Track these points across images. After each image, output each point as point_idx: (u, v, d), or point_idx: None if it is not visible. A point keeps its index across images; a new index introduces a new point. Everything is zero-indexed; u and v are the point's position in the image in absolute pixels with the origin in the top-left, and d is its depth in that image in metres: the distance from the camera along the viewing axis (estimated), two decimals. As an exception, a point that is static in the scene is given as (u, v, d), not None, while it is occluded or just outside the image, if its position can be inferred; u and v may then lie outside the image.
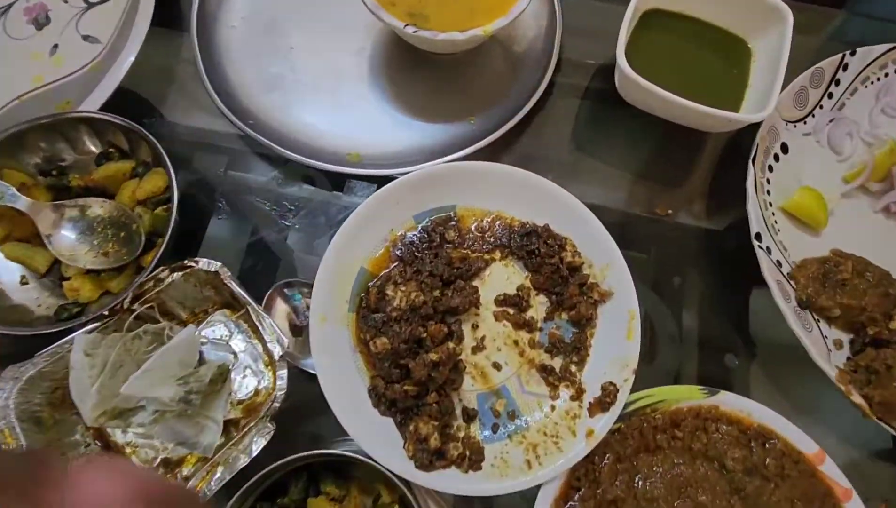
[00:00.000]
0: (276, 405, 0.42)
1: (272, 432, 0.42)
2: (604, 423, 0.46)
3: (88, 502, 0.27)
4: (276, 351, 0.44)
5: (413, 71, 0.62)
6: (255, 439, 0.41)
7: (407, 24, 0.52)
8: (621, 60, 0.53)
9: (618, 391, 0.47)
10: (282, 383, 0.43)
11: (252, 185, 0.58)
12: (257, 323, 0.45)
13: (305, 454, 0.40)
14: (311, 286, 0.48)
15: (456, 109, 0.60)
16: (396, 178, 0.53)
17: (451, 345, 0.47)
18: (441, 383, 0.46)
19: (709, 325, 0.55)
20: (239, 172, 0.58)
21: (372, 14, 0.53)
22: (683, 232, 0.58)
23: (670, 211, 0.58)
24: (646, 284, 0.56)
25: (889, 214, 0.57)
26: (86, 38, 0.57)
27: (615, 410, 0.46)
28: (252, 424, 0.42)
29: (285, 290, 0.50)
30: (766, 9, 0.57)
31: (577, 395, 0.49)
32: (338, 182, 0.58)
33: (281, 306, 0.48)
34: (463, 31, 0.53)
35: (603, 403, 0.47)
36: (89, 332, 0.45)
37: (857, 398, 0.47)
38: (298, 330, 0.48)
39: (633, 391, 0.48)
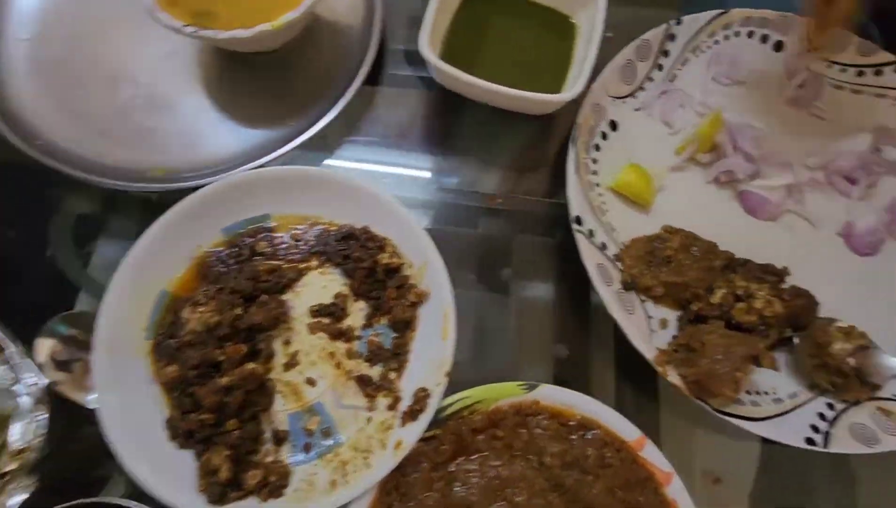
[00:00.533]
0: (33, 454, 0.39)
1: (32, 485, 0.38)
2: (413, 432, 0.44)
3: None
4: (31, 393, 0.40)
5: (229, 74, 0.58)
6: (12, 495, 0.38)
7: (186, 25, 0.48)
8: (424, 49, 0.50)
9: (429, 396, 0.45)
10: (40, 428, 0.40)
11: (50, 207, 0.54)
12: (16, 370, 0.41)
13: (69, 504, 0.37)
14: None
15: (276, 112, 0.57)
16: (201, 190, 0.50)
17: (250, 366, 0.44)
18: (237, 407, 0.43)
19: (542, 316, 0.53)
20: (34, 197, 0.54)
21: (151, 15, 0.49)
22: (518, 219, 0.56)
23: (500, 200, 0.56)
24: (476, 277, 0.54)
25: (720, 183, 0.56)
26: None
27: (424, 418, 0.44)
28: (7, 479, 0.39)
29: (64, 323, 0.46)
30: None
31: (394, 404, 0.46)
32: (148, 200, 0.54)
33: (46, 342, 0.45)
34: (252, 28, 0.49)
35: (413, 411, 0.45)
36: None
37: (673, 378, 0.46)
38: (66, 365, 0.45)
39: (452, 393, 0.46)
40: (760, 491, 0.49)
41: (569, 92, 0.50)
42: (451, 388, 0.46)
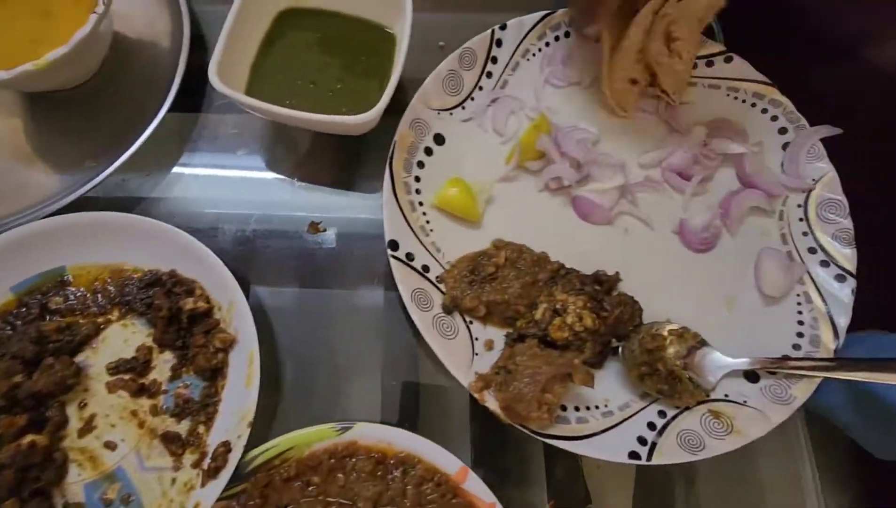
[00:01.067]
0: None
1: None
2: (213, 493, 0.41)
3: None
4: None
5: (28, 114, 0.54)
6: None
7: (-56, 70, 0.44)
8: (213, 79, 0.47)
9: (230, 451, 0.42)
10: None
11: None
12: None
13: None
14: None
15: (74, 152, 0.53)
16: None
17: (28, 439, 0.41)
18: (11, 486, 0.40)
19: (370, 347, 0.50)
20: None
21: None
22: (343, 243, 0.53)
23: (322, 225, 0.54)
24: (300, 307, 0.51)
25: (552, 191, 0.55)
26: None
27: (225, 474, 0.41)
28: None
29: None
30: (385, -3, 0.53)
31: (200, 461, 0.43)
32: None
33: None
34: (15, 67, 0.45)
35: (214, 469, 0.42)
36: None
37: (491, 403, 0.44)
38: None
39: (257, 444, 0.44)
40: None
41: (369, 114, 0.48)
42: (273, 434, 0.44)
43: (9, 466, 0.40)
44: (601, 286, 0.50)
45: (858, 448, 0.56)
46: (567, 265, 0.51)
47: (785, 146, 0.56)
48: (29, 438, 0.41)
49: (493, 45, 0.57)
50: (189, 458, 0.44)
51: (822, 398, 1.06)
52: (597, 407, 0.47)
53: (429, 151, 0.54)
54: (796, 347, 0.50)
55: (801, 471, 0.51)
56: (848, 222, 0.53)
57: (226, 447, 0.42)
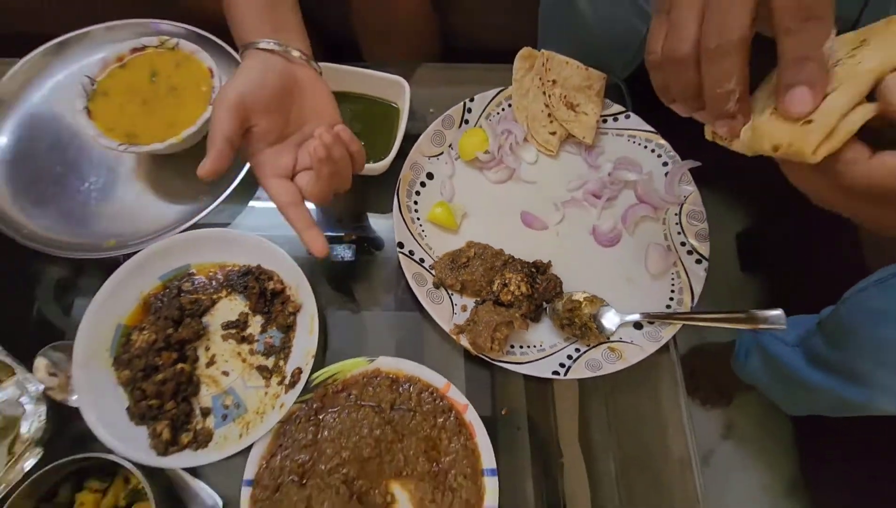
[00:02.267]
0: (41, 432, 0.60)
1: (41, 453, 0.60)
2: (291, 398, 0.66)
3: None
4: (36, 398, 0.62)
5: (156, 168, 0.82)
6: (26, 459, 0.59)
7: (121, 143, 0.72)
8: (285, 141, 0.74)
9: (301, 373, 0.67)
10: (40, 417, 0.61)
11: (36, 276, 0.76)
12: (23, 381, 0.62)
13: (62, 461, 0.59)
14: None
15: (188, 191, 0.80)
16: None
17: (180, 366, 0.67)
18: (171, 395, 0.65)
19: (385, 313, 0.76)
20: (16, 265, 0.76)
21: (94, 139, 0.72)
22: (364, 249, 0.80)
23: (353, 236, 0.80)
24: (337, 291, 0.77)
25: (502, 183, 0.82)
26: None
27: (298, 388, 0.67)
28: (23, 450, 0.60)
29: (52, 349, 0.68)
30: (392, 82, 0.80)
31: (281, 381, 0.69)
32: (104, 262, 0.76)
33: (42, 362, 0.66)
34: (164, 141, 0.73)
35: (290, 384, 0.67)
36: None
37: (463, 342, 0.69)
38: (55, 378, 0.66)
39: (317, 370, 0.69)
40: (544, 417, 0.72)
41: (383, 162, 0.74)
42: (326, 363, 0.69)
43: (170, 380, 0.65)
44: (537, 270, 0.75)
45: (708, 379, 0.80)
46: (515, 257, 0.77)
47: (666, 174, 0.82)
48: (179, 366, 0.67)
49: (465, 112, 0.84)
50: (275, 380, 0.69)
51: (748, 369, 1.33)
52: (534, 346, 0.72)
53: (423, 184, 0.81)
54: (668, 306, 0.75)
55: (677, 396, 0.75)
56: (705, 225, 0.78)
57: (298, 371, 0.67)
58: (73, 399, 0.65)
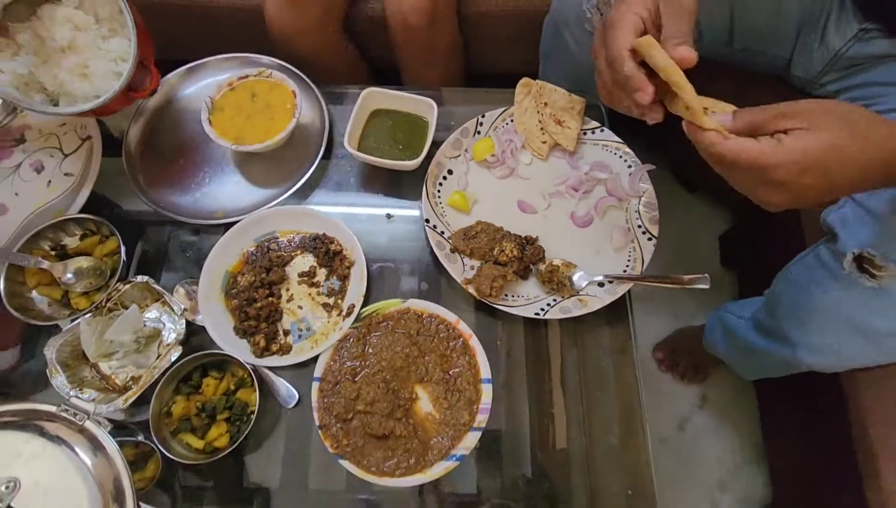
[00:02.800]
0: (182, 336, 0.89)
1: (181, 350, 0.88)
2: (348, 324, 0.93)
3: None
4: (178, 315, 0.90)
5: (253, 161, 1.11)
6: (172, 353, 0.87)
7: (232, 144, 1.01)
8: (346, 144, 1.02)
9: (354, 308, 0.94)
10: (182, 327, 0.90)
11: (169, 236, 1.06)
12: (171, 303, 0.91)
13: (195, 354, 0.87)
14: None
15: (274, 178, 1.09)
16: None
17: (270, 300, 0.95)
18: (265, 318, 0.93)
19: (413, 272, 1.03)
20: (156, 228, 1.06)
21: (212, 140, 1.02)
22: (402, 227, 1.07)
23: (393, 217, 1.07)
24: (380, 254, 1.04)
25: (505, 179, 1.08)
26: (66, 174, 1.05)
27: (352, 317, 0.94)
28: (168, 349, 0.88)
29: (185, 284, 0.96)
30: (424, 102, 1.08)
31: (340, 313, 0.96)
32: (215, 226, 1.05)
33: (180, 290, 0.95)
34: (262, 143, 1.01)
35: (346, 314, 0.94)
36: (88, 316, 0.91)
37: (471, 290, 0.95)
38: (188, 302, 0.95)
39: (364, 306, 0.96)
40: (528, 347, 0.97)
41: (416, 161, 1.02)
42: (371, 302, 0.96)
43: (264, 308, 0.93)
44: (527, 242, 1.01)
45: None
46: (512, 232, 1.02)
47: (630, 174, 1.07)
48: (269, 299, 0.95)
49: (478, 125, 1.11)
50: (335, 312, 0.97)
51: (712, 341, 1.57)
52: (522, 296, 0.98)
53: (445, 178, 1.08)
54: (624, 271, 1.00)
55: (630, 338, 0.99)
56: (656, 212, 1.03)
57: (351, 307, 0.95)
58: (199, 318, 0.94)
